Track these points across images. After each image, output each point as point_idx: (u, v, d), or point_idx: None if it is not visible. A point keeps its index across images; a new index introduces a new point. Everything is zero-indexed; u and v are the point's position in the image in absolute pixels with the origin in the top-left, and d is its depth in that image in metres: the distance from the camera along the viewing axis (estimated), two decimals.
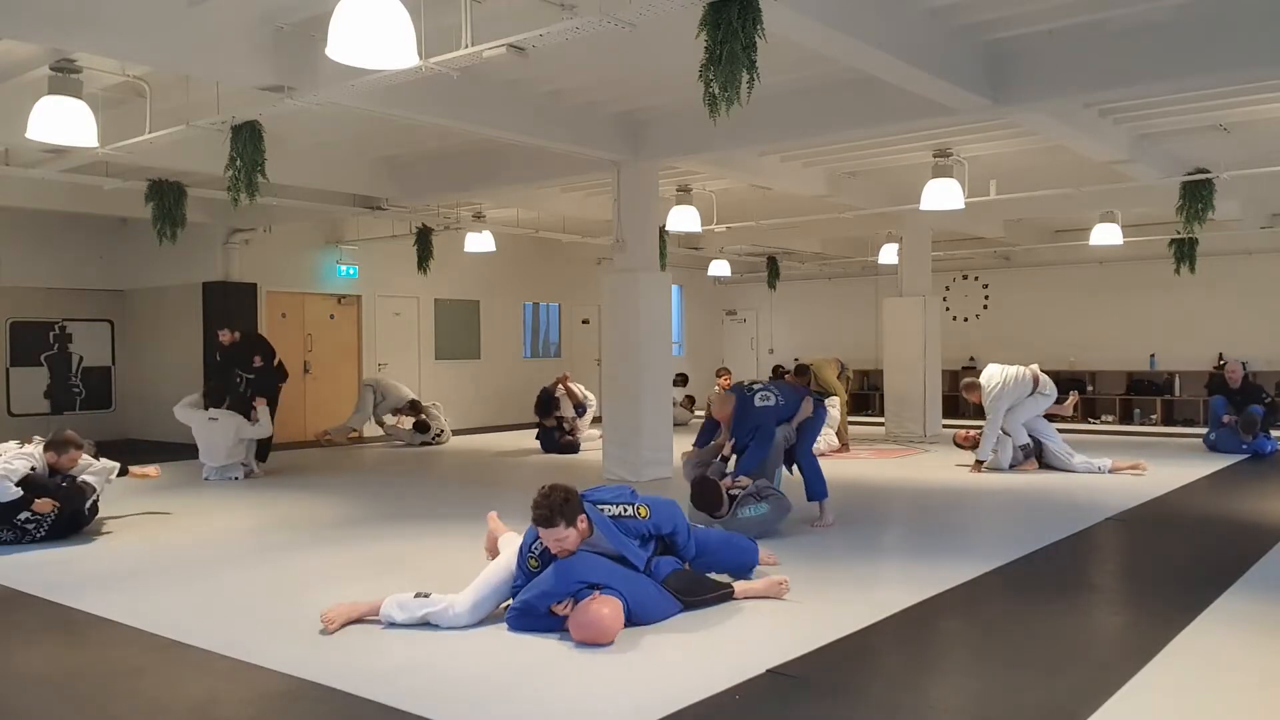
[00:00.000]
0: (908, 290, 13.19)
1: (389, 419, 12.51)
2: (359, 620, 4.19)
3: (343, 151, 9.98)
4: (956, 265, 16.78)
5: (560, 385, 11.80)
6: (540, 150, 9.00)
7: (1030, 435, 9.32)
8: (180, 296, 12.59)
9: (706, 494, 5.97)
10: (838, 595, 4.71)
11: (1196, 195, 9.37)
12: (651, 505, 4.46)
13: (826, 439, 10.39)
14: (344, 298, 13.67)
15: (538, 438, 11.69)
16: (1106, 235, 11.95)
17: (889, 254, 14.14)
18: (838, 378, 11.18)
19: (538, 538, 4.12)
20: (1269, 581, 4.94)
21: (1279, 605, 4.50)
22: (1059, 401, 9.57)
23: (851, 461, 10.30)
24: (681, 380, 15.08)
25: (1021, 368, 9.20)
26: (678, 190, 10.96)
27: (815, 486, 6.49)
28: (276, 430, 9.47)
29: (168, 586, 5.05)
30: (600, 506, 4.30)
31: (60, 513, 6.07)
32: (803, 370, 10.87)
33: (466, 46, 5.15)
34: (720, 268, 17.31)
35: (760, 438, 6.26)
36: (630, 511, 4.36)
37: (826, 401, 8.98)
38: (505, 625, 4.10)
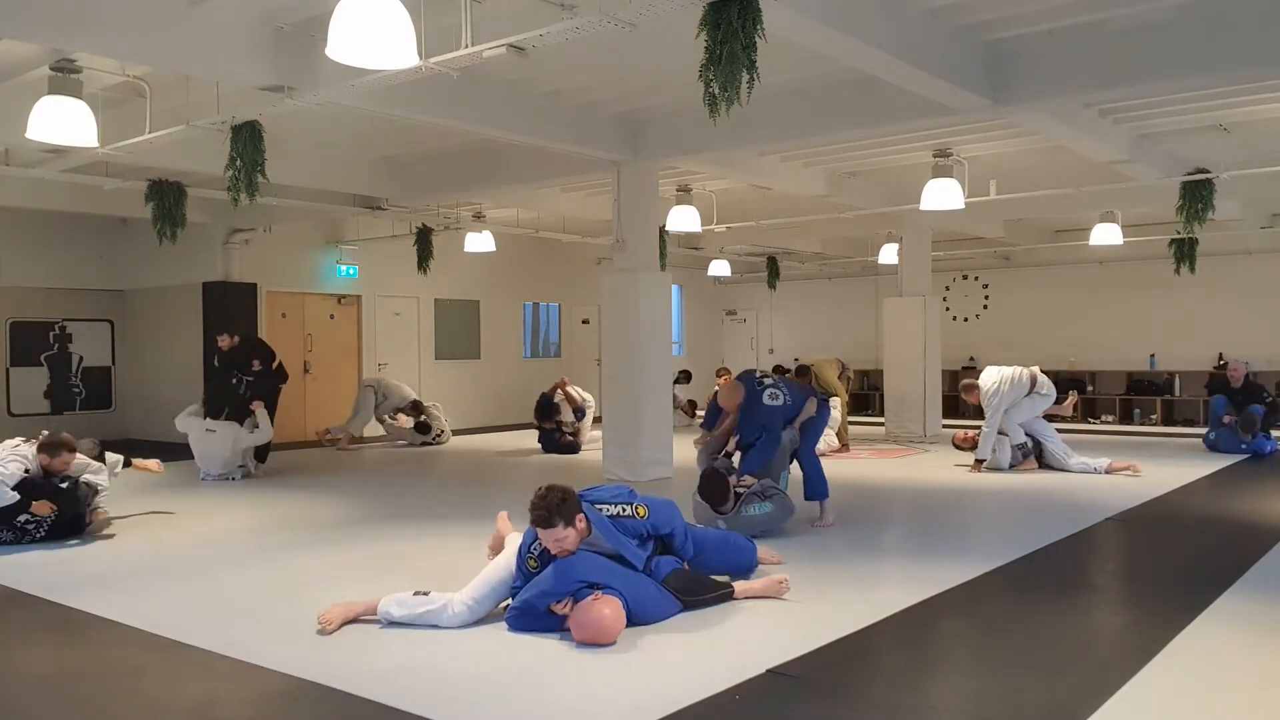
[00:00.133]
0: (908, 290, 13.19)
1: (389, 419, 12.47)
2: (357, 620, 4.19)
3: (343, 151, 9.98)
4: (956, 265, 16.77)
5: (559, 390, 11.76)
6: (540, 150, 9.00)
7: (1029, 435, 9.33)
8: (180, 296, 12.59)
9: (714, 487, 5.96)
10: (838, 595, 4.71)
11: (1196, 195, 9.36)
12: (650, 505, 4.47)
13: (827, 439, 10.37)
14: (344, 298, 13.67)
15: (539, 439, 11.70)
16: (1106, 235, 11.95)
17: (889, 254, 14.14)
18: (838, 378, 11.16)
19: (536, 539, 4.12)
20: (1269, 581, 4.94)
21: (1279, 605, 4.50)
22: (1058, 402, 9.57)
23: (851, 461, 10.31)
24: (684, 377, 14.85)
25: (1019, 368, 9.21)
26: (678, 190, 10.95)
27: (816, 486, 6.48)
28: (276, 431, 9.46)
29: (168, 586, 5.06)
30: (598, 506, 4.30)
31: (60, 515, 6.06)
32: (804, 370, 10.86)
33: (466, 46, 5.15)
34: (720, 268, 17.31)
35: (768, 438, 6.26)
36: (629, 511, 4.36)
37: (830, 402, 8.98)
38: (505, 625, 4.10)
